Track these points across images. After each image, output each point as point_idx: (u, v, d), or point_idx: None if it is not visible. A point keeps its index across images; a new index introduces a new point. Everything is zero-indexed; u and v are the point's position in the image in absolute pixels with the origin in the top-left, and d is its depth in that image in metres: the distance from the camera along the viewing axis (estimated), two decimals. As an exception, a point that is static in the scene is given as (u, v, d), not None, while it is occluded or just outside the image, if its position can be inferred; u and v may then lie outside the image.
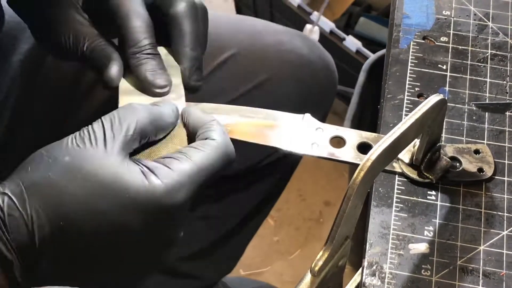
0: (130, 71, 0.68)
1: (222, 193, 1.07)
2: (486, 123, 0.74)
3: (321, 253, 0.59)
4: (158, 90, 0.67)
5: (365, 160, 0.57)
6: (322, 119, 1.08)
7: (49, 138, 0.60)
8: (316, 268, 0.58)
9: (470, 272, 0.64)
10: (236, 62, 1.00)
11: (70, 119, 0.95)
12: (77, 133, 0.58)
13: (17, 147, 0.91)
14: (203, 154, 0.59)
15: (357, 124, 1.37)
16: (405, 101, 0.75)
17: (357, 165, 0.58)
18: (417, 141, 0.67)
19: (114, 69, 0.68)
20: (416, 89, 0.76)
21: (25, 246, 0.55)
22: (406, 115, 0.73)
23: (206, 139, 0.61)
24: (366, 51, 1.65)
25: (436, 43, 0.80)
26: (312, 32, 1.64)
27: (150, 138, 0.61)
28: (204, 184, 0.60)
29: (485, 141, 0.72)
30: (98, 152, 0.57)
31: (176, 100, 0.67)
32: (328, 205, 1.71)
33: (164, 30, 0.70)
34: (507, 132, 0.73)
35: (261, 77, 1.00)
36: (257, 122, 0.68)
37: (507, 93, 0.76)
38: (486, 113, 0.75)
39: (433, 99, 0.62)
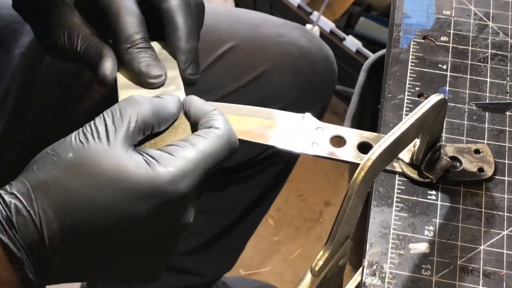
0: (125, 67, 0.68)
1: (221, 186, 1.07)
2: (486, 122, 0.74)
3: (321, 253, 0.59)
4: (153, 81, 0.66)
5: (366, 160, 0.57)
6: (322, 110, 1.08)
7: (51, 130, 0.60)
8: (317, 268, 0.58)
9: (470, 272, 0.64)
10: (235, 54, 1.00)
11: (72, 111, 0.95)
12: (80, 129, 0.59)
13: (18, 139, 0.91)
14: (208, 141, 0.59)
15: (357, 124, 1.37)
16: (405, 101, 0.75)
17: (358, 164, 0.58)
18: (417, 141, 0.67)
19: (107, 65, 0.67)
20: (417, 88, 0.76)
21: (35, 244, 0.55)
22: (406, 115, 0.73)
23: (209, 127, 0.61)
24: (366, 51, 1.65)
25: (437, 43, 0.80)
26: (312, 32, 1.64)
27: (154, 129, 0.61)
28: (210, 172, 0.59)
29: (485, 141, 0.72)
30: (101, 146, 0.57)
31: (176, 91, 0.67)
32: (328, 205, 1.71)
33: (157, 24, 0.70)
34: (507, 132, 0.73)
35: (261, 68, 1.00)
36: (257, 121, 0.68)
37: (507, 92, 0.76)
38: (487, 113, 0.75)
39: (434, 99, 0.62)
